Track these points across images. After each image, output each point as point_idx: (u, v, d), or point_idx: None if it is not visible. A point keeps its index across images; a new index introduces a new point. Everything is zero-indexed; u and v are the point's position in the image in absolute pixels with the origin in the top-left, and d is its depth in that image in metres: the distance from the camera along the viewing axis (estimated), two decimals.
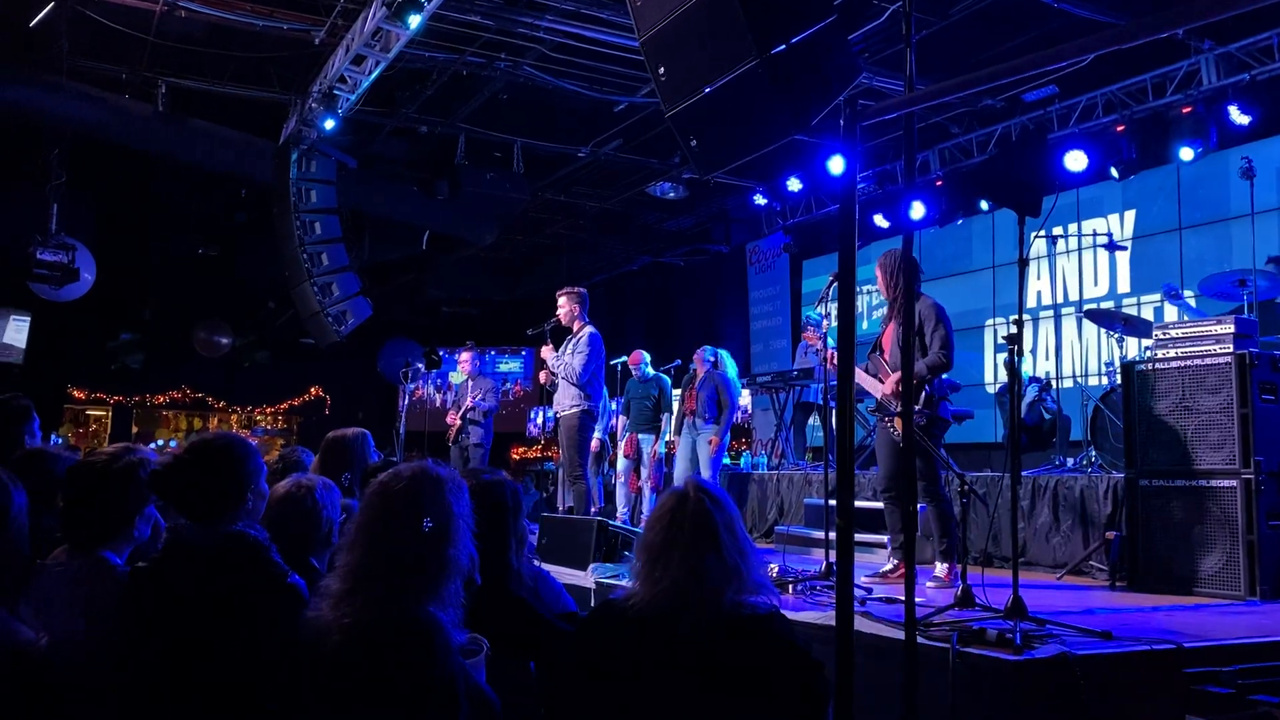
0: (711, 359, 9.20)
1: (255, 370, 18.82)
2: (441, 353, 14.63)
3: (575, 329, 7.74)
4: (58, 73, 9.78)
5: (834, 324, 5.45)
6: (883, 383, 5.66)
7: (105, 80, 10.60)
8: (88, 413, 18.73)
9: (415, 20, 8.30)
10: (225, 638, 2.49)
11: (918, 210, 11.13)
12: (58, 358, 16.27)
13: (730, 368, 9.30)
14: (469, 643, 2.50)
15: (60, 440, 15.60)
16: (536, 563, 3.37)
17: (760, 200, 13.81)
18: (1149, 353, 6.00)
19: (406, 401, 10.87)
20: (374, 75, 9.37)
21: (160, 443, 18.15)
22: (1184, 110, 9.20)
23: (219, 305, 17.49)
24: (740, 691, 2.30)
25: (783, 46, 3.76)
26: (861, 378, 5.95)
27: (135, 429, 18.50)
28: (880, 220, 11.67)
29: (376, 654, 2.25)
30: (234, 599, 2.52)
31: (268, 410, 19.50)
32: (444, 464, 2.53)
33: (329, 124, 10.27)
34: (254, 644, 2.48)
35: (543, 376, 8.03)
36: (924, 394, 5.48)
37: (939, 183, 11.56)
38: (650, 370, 9.87)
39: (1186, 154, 9.16)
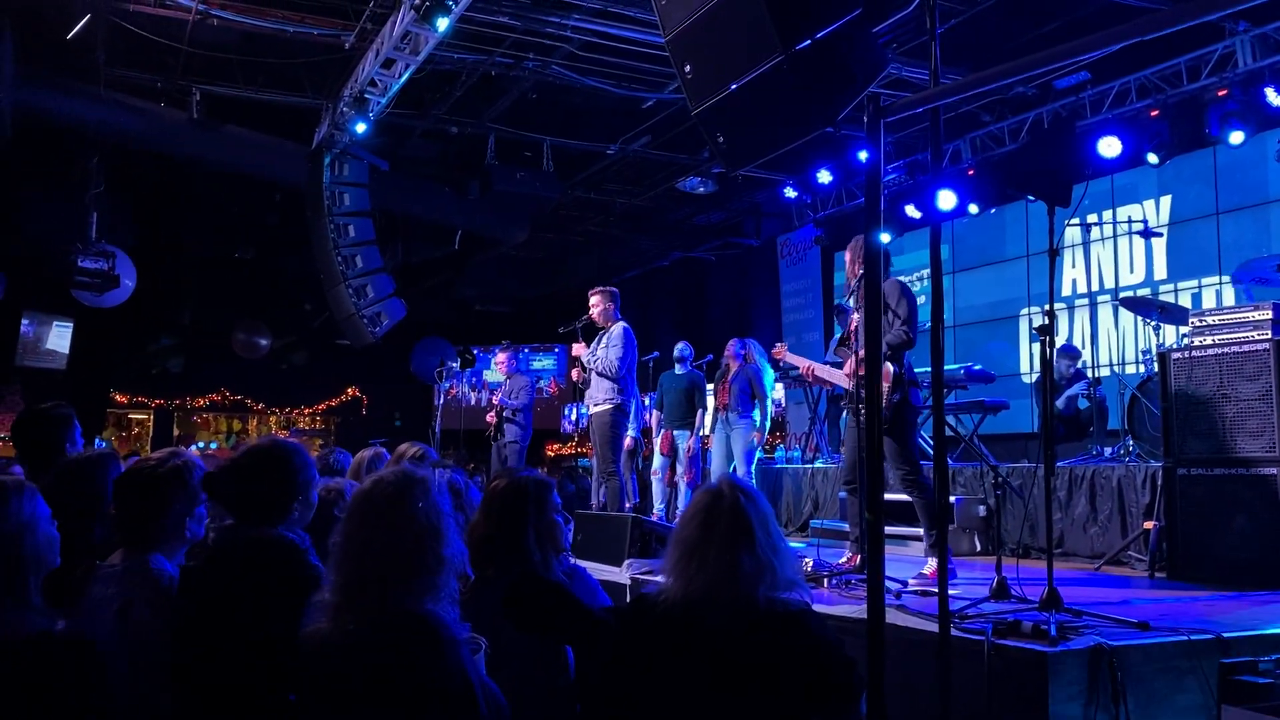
0: (741, 351, 9.19)
1: (293, 372, 19.05)
2: (475, 351, 14.73)
3: (607, 326, 7.80)
4: (95, 83, 9.94)
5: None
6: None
7: (141, 89, 10.76)
8: (130, 417, 19.05)
9: (443, 23, 8.35)
10: (260, 633, 2.54)
11: (947, 201, 11.06)
12: (100, 363, 16.56)
13: (761, 359, 9.28)
14: (468, 641, 2.53)
15: (104, 444, 15.87)
16: (572, 560, 3.41)
17: (791, 193, 13.78)
18: (1186, 340, 5.94)
19: (442, 400, 10.96)
20: (404, 78, 9.44)
21: (201, 445, 18.43)
22: (1220, 93, 9.07)
23: (256, 308, 17.70)
24: (772, 687, 2.32)
25: (808, 42, 3.75)
26: (823, 370, 5.86)
27: (176, 432, 18.78)
28: (912, 210, 11.59)
29: (384, 658, 2.23)
30: (270, 597, 2.58)
31: (305, 411, 19.72)
32: (420, 465, 2.55)
33: (360, 127, 10.37)
34: (287, 639, 2.53)
35: (575, 374, 8.09)
36: (893, 373, 5.16)
37: (970, 172, 11.47)
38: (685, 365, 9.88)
39: (1237, 137, 8.96)
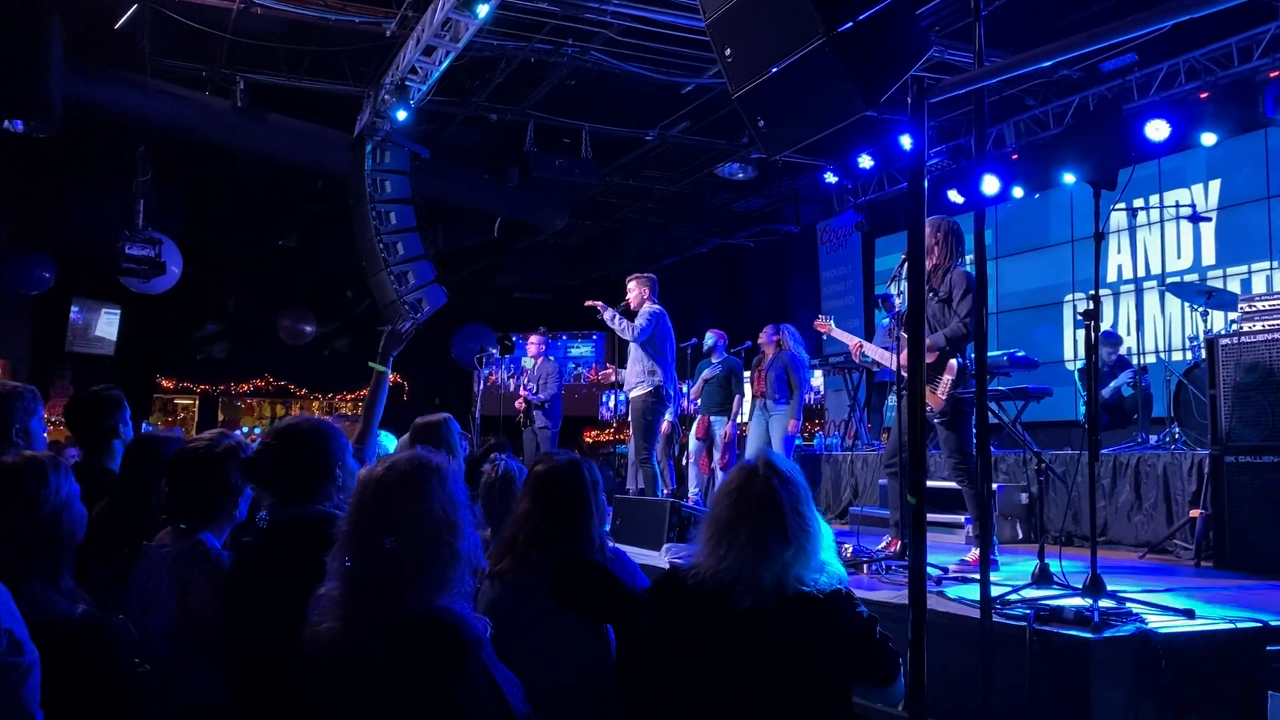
0: (774, 337, 9.15)
1: (335, 358, 19.23)
2: (514, 338, 14.80)
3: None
4: (141, 72, 10.08)
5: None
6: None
7: (186, 78, 10.89)
8: (176, 402, 19.32)
9: (483, 9, 8.38)
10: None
11: (991, 185, 10.93)
12: (147, 349, 16.83)
13: (797, 345, 9.22)
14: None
15: (150, 429, 16.15)
16: (611, 544, 3.43)
17: (831, 179, 13.70)
18: (1235, 326, 5.84)
19: (481, 387, 11.03)
20: (444, 65, 9.48)
21: (245, 429, 18.67)
22: (1271, 74, 8.89)
23: (299, 295, 17.89)
24: (804, 667, 2.34)
25: (850, 24, 3.72)
26: (871, 349, 5.81)
27: (221, 417, 19.05)
28: (955, 196, 11.48)
29: (405, 666, 2.11)
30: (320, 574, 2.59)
31: (348, 397, 19.88)
32: (435, 451, 2.44)
33: (401, 115, 10.43)
34: None
35: (609, 374, 8.10)
36: (958, 367, 5.12)
37: (1014, 156, 11.33)
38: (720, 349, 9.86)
39: None
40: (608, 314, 7.79)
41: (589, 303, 7.94)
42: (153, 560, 2.89)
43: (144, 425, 15.62)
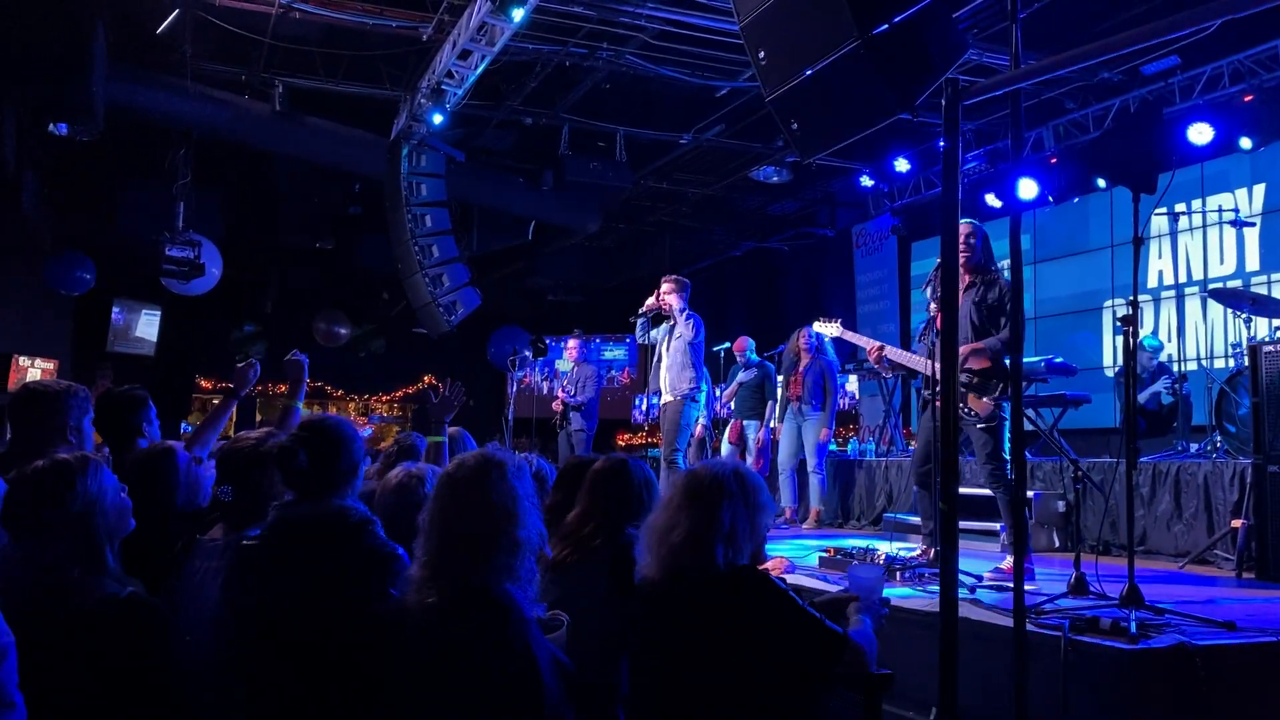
0: (815, 343, 9.11)
1: (371, 359, 19.36)
2: (548, 340, 14.84)
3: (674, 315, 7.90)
4: (182, 76, 10.21)
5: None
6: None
7: (226, 82, 11.01)
8: (214, 402, 19.50)
9: (519, 13, 8.41)
10: (329, 609, 2.58)
11: (1028, 189, 10.79)
12: (186, 349, 17.04)
13: (830, 351, 9.19)
14: (550, 618, 2.65)
15: (190, 429, 16.33)
16: None
17: (867, 182, 13.61)
18: (1279, 333, 5.74)
19: (515, 389, 11.07)
20: (480, 69, 9.52)
21: None
22: None
23: (336, 297, 18.03)
24: (725, 646, 2.47)
25: (885, 26, 3.69)
26: (895, 354, 5.75)
27: (259, 417, 19.24)
28: (992, 200, 11.35)
29: (456, 633, 2.38)
30: (336, 571, 2.63)
31: (383, 398, 20.02)
32: (501, 448, 2.65)
33: (437, 119, 10.49)
34: (358, 614, 2.56)
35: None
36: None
37: (1053, 160, 11.20)
38: (754, 356, 9.84)
39: None
40: (668, 307, 7.89)
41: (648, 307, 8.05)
42: (204, 554, 2.93)
43: (183, 425, 15.82)
